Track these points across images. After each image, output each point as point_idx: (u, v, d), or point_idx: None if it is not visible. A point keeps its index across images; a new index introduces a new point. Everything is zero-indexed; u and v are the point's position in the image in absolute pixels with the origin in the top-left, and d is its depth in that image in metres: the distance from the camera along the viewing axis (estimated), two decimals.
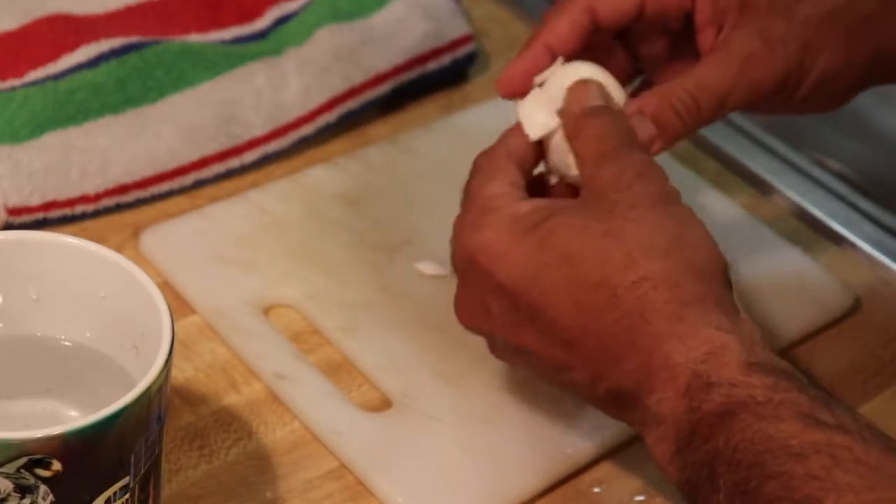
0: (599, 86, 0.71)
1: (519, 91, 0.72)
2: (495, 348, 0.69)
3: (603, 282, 0.63)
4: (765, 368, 0.60)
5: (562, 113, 0.70)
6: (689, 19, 0.74)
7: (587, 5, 0.73)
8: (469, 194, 0.69)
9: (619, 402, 0.64)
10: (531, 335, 0.65)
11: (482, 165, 0.70)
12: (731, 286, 0.64)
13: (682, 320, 0.61)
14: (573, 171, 0.69)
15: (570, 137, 0.69)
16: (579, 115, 0.69)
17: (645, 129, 0.70)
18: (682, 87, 0.70)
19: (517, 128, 0.71)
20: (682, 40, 0.75)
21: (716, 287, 0.63)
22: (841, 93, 0.75)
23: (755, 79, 0.71)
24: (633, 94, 0.74)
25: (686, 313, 0.62)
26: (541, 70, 0.72)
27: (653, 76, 0.77)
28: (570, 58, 0.72)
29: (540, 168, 0.72)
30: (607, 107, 0.70)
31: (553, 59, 0.72)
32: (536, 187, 0.71)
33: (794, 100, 0.73)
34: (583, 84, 0.70)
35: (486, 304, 0.66)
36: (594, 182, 0.66)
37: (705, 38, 0.73)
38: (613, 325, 0.62)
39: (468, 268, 0.67)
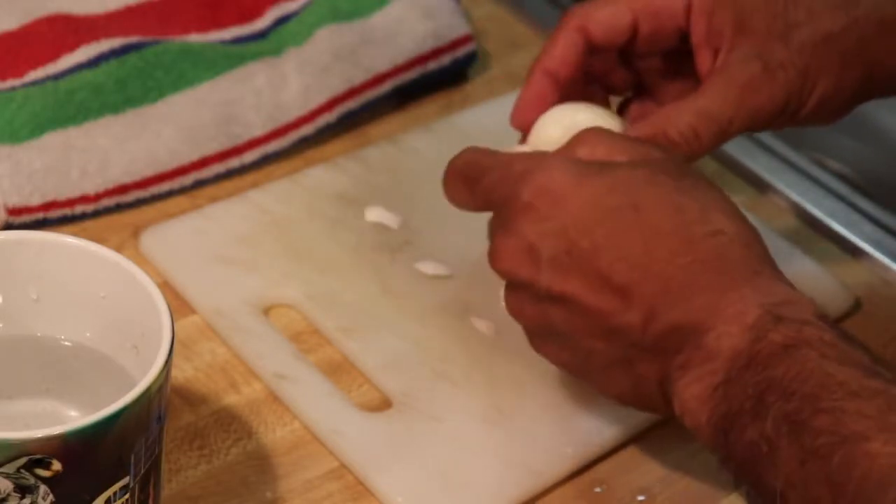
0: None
1: (530, 122, 0.74)
2: (526, 300, 0.67)
3: (676, 229, 0.63)
4: (834, 324, 0.61)
5: None
6: (685, 39, 0.74)
7: (579, 25, 0.74)
8: (501, 157, 0.69)
9: (665, 343, 0.63)
10: (580, 280, 0.64)
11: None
12: None
13: (757, 273, 0.63)
14: None
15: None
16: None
17: None
18: (682, 118, 0.71)
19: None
20: (680, 56, 0.75)
21: (773, 261, 0.65)
22: (835, 111, 0.75)
23: (756, 105, 0.72)
24: (619, 110, 0.75)
25: (761, 268, 0.63)
26: (545, 96, 0.74)
27: (653, 91, 0.77)
28: (568, 84, 0.74)
29: None
30: None
31: (556, 85, 0.74)
32: None
33: (795, 120, 0.74)
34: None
35: (535, 248, 0.65)
36: (646, 157, 0.67)
37: (702, 59, 0.74)
38: (684, 268, 0.63)
39: (521, 211, 0.66)
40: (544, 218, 0.65)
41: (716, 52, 0.73)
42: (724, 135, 0.72)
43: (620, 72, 0.77)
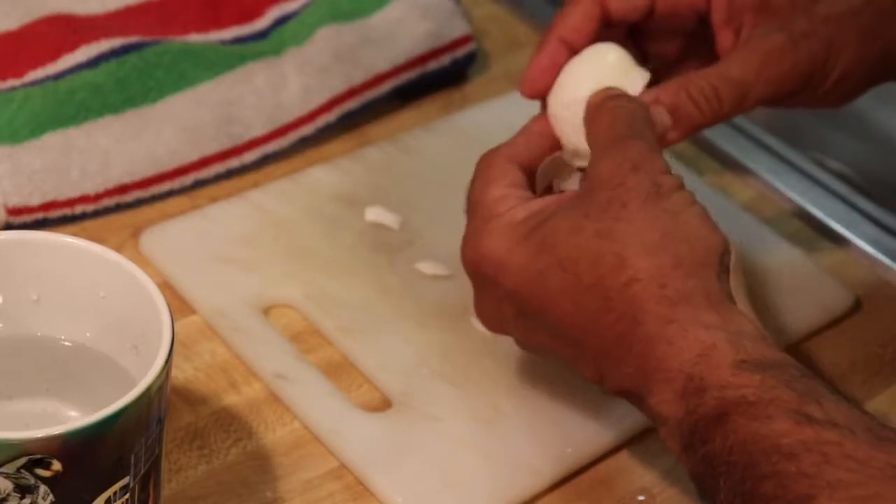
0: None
1: (543, 89, 0.73)
2: (520, 346, 0.70)
3: (596, 283, 0.63)
4: (753, 366, 0.60)
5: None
6: (702, 22, 0.74)
7: None
8: (471, 201, 0.70)
9: (625, 396, 0.64)
10: (543, 335, 0.66)
11: (482, 168, 0.70)
12: (726, 272, 0.64)
13: (670, 322, 0.62)
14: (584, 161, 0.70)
15: (586, 122, 0.70)
16: (598, 101, 0.70)
17: (660, 119, 0.69)
18: (704, 77, 0.70)
19: (523, 129, 0.71)
20: (694, 41, 0.75)
21: (707, 280, 0.63)
22: (852, 90, 0.75)
23: (779, 73, 0.71)
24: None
25: (675, 314, 0.62)
26: (559, 64, 0.72)
27: (665, 77, 0.77)
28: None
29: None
30: (625, 94, 0.70)
31: (570, 53, 0.72)
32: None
33: (816, 96, 0.73)
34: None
35: (500, 309, 0.68)
36: (593, 175, 0.67)
37: (723, 38, 0.73)
38: (610, 328, 0.63)
39: (477, 277, 0.68)
40: (495, 285, 0.67)
41: (737, 31, 0.73)
42: (745, 100, 0.71)
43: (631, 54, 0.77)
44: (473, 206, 0.69)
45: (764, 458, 0.57)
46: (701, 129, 0.71)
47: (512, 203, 0.67)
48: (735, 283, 0.65)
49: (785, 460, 0.56)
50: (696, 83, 0.70)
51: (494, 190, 0.68)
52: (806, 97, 0.73)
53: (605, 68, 0.71)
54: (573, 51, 0.73)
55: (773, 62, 0.71)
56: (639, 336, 0.62)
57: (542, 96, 0.73)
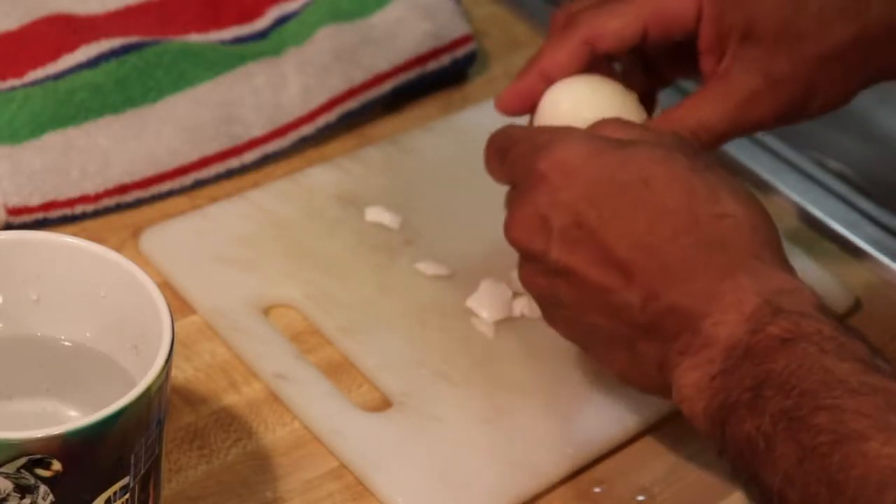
0: None
1: (516, 110, 0.75)
2: (538, 273, 0.67)
3: (683, 208, 0.63)
4: (833, 315, 0.61)
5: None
6: (693, 38, 0.74)
7: (586, 38, 0.73)
8: (529, 130, 0.70)
9: (663, 325, 0.63)
10: (583, 254, 0.65)
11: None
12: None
13: (759, 259, 0.63)
14: None
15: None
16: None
17: None
18: (685, 126, 0.72)
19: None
20: (688, 47, 0.75)
21: (781, 246, 0.65)
22: (836, 109, 0.76)
23: (757, 116, 0.73)
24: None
25: (764, 254, 0.63)
26: (535, 96, 0.74)
27: (659, 70, 0.77)
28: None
29: None
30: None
31: (547, 84, 0.74)
32: None
33: (798, 121, 0.75)
34: None
35: (546, 220, 0.66)
36: (668, 138, 0.67)
37: (706, 63, 0.74)
38: (686, 248, 0.63)
39: (535, 183, 0.66)
40: (556, 189, 0.65)
41: (721, 58, 0.73)
42: (725, 140, 0.73)
43: (628, 53, 0.77)
44: (534, 130, 0.70)
45: (825, 390, 0.57)
46: None
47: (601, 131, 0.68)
48: None
49: (848, 396, 0.56)
50: (680, 130, 0.71)
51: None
52: (784, 125, 0.75)
53: (592, 95, 0.71)
54: (551, 83, 0.74)
55: (750, 107, 0.72)
56: (722, 260, 0.62)
57: (515, 115, 0.75)
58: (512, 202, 0.68)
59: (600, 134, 0.67)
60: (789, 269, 0.64)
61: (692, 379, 0.62)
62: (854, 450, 0.55)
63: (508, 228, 0.68)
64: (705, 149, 0.72)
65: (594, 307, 0.65)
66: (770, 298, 0.61)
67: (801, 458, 0.56)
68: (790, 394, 0.57)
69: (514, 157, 0.69)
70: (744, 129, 0.73)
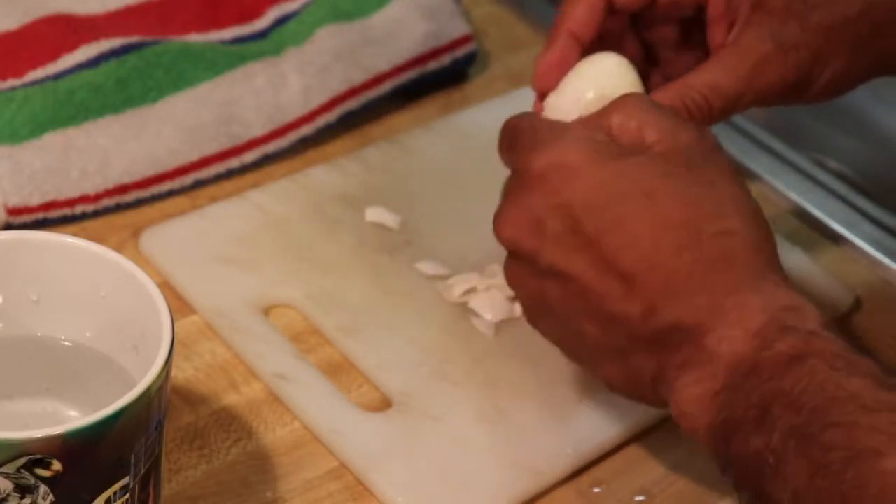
0: None
1: (555, 83, 0.73)
2: (526, 273, 0.66)
3: (686, 224, 0.63)
4: (839, 335, 0.60)
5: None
6: (701, 9, 0.75)
7: None
8: (535, 122, 0.68)
9: (664, 339, 0.62)
10: (583, 261, 0.63)
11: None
12: None
13: (764, 277, 0.62)
14: None
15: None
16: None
17: None
18: (696, 89, 0.71)
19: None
20: (693, 28, 0.75)
21: (780, 263, 0.64)
22: (842, 90, 0.76)
23: (766, 82, 0.72)
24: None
25: (769, 272, 0.62)
26: (570, 59, 0.73)
27: (662, 63, 0.77)
28: (588, 46, 0.73)
29: None
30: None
31: (580, 48, 0.73)
32: None
33: (803, 98, 0.74)
34: None
35: (540, 221, 0.64)
36: (676, 139, 0.66)
37: (716, 32, 0.74)
38: (689, 265, 0.62)
39: (532, 181, 0.65)
40: (553, 192, 0.64)
41: (730, 27, 0.73)
42: (735, 108, 0.72)
43: (631, 41, 0.77)
44: (538, 122, 0.68)
45: (837, 407, 0.56)
46: None
47: (591, 130, 0.67)
48: None
49: (861, 412, 0.55)
50: (691, 95, 0.71)
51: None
52: (793, 99, 0.74)
53: (605, 73, 0.71)
54: (582, 44, 0.73)
55: (760, 73, 0.72)
56: (727, 276, 0.62)
57: (553, 90, 0.73)
58: (507, 194, 0.67)
59: (612, 125, 0.66)
60: (793, 289, 0.63)
61: (693, 394, 0.61)
62: (869, 467, 0.54)
63: (498, 223, 0.66)
64: (717, 117, 0.71)
65: (586, 314, 0.64)
66: (776, 315, 0.60)
67: (812, 475, 0.55)
68: (800, 411, 0.57)
69: (518, 148, 0.68)
70: (754, 95, 0.72)
